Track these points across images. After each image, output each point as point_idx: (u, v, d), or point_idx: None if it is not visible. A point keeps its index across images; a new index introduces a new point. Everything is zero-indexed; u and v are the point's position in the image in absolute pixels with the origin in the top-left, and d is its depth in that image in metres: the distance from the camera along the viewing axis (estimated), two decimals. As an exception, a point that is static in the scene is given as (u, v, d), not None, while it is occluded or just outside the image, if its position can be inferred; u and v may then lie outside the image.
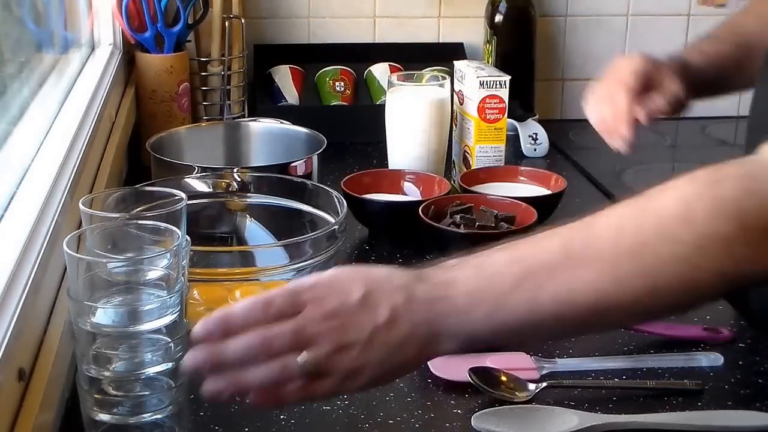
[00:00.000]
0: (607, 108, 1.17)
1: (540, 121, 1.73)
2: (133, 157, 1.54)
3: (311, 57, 1.82)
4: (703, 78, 1.18)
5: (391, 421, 0.88)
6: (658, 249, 0.73)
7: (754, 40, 1.17)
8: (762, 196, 0.72)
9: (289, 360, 0.73)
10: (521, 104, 1.75)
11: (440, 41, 1.88)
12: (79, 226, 0.90)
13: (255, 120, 1.55)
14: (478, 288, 0.75)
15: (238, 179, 1.19)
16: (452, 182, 1.42)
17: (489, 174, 1.39)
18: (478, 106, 1.38)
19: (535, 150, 1.67)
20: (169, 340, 0.82)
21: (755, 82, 1.09)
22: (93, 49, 1.59)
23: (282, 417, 0.88)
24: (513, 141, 1.64)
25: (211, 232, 1.18)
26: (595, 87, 1.22)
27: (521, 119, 1.70)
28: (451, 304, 0.75)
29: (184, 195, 0.90)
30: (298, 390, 0.74)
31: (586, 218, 0.77)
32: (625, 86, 1.14)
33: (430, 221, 1.21)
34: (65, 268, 0.95)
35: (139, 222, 0.86)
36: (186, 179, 1.18)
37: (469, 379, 0.92)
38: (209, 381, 0.74)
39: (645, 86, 1.15)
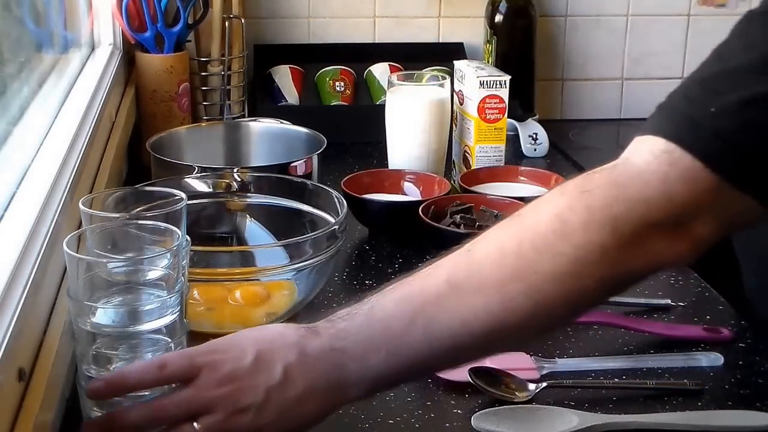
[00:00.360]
0: None
1: (540, 121, 1.73)
2: (133, 157, 1.54)
3: (311, 57, 1.82)
4: None
5: (390, 421, 0.88)
6: (539, 266, 0.75)
7: None
8: (630, 202, 0.74)
9: (185, 429, 0.74)
10: (521, 104, 1.75)
11: (440, 41, 1.88)
12: (79, 226, 0.90)
13: (255, 120, 1.54)
14: (372, 334, 0.76)
15: (238, 179, 1.19)
16: (452, 182, 1.42)
17: (489, 174, 1.39)
18: (478, 106, 1.38)
19: (535, 150, 1.67)
20: (169, 340, 0.82)
21: None
22: (93, 49, 1.59)
23: (282, 417, 0.88)
24: (513, 141, 1.64)
25: (211, 232, 1.18)
26: None
27: (521, 119, 1.71)
28: (348, 355, 0.76)
29: (184, 195, 0.90)
30: None
31: (468, 244, 0.78)
32: None
33: (430, 221, 1.21)
34: (65, 268, 0.95)
35: (139, 222, 0.86)
36: (186, 179, 1.18)
37: (469, 379, 0.92)
38: None
39: None
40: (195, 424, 0.74)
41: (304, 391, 0.75)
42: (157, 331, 0.81)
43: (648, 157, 0.75)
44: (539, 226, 0.76)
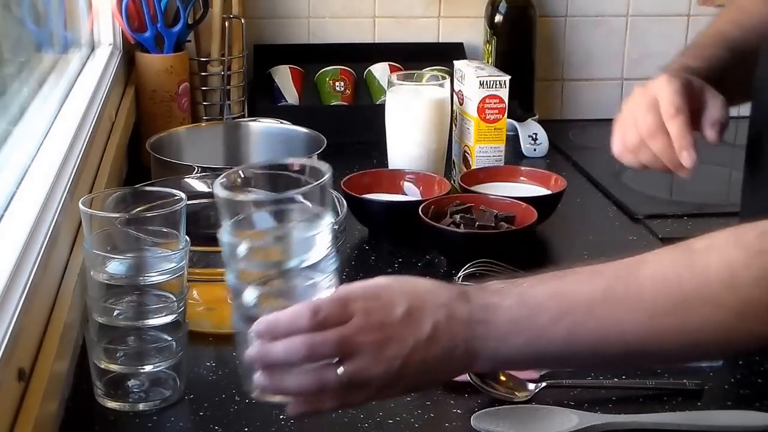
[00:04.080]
0: (661, 138, 1.05)
1: (540, 121, 1.73)
2: (133, 157, 1.54)
3: (311, 57, 1.81)
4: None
5: (390, 421, 0.89)
6: (699, 310, 0.75)
7: (741, 46, 1.14)
8: None
9: (327, 373, 0.75)
10: (521, 104, 1.75)
11: (440, 41, 1.88)
12: (79, 226, 0.90)
13: (255, 120, 1.55)
14: (519, 317, 0.77)
15: (238, 179, 1.19)
16: (452, 182, 1.42)
17: (489, 174, 1.39)
18: (478, 106, 1.38)
19: (534, 150, 1.67)
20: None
21: (754, 84, 1.08)
22: (93, 49, 1.59)
23: (281, 417, 0.88)
24: (513, 141, 1.64)
25: (211, 232, 1.18)
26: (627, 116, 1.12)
27: (521, 119, 1.71)
28: (491, 329, 0.77)
29: (183, 195, 0.90)
30: (334, 399, 0.76)
31: (631, 261, 0.79)
32: (675, 109, 1.03)
33: (430, 221, 1.21)
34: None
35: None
36: (186, 179, 1.18)
37: (469, 379, 0.92)
38: (257, 376, 0.76)
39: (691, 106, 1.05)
40: (338, 370, 0.75)
41: (444, 353, 0.77)
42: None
43: None
44: (708, 272, 0.75)
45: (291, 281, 0.80)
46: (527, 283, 0.79)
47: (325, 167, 0.79)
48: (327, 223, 0.79)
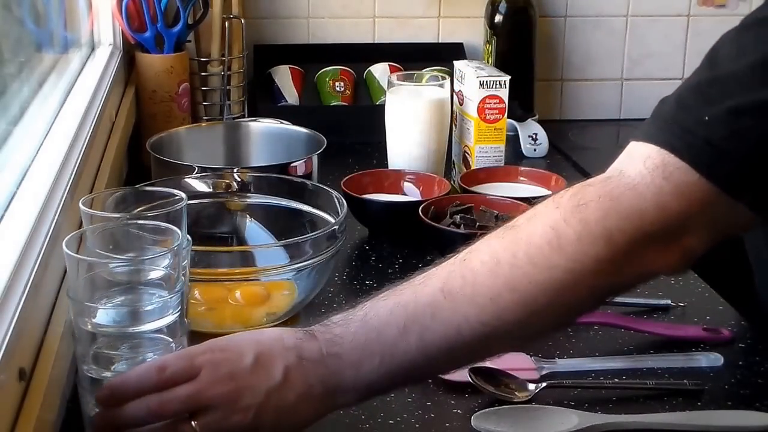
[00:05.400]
0: None
1: (539, 122, 1.73)
2: (133, 157, 1.54)
3: (311, 57, 1.82)
4: None
5: (391, 421, 0.89)
6: (534, 277, 0.76)
7: None
8: (624, 215, 0.75)
9: (182, 427, 0.74)
10: (521, 104, 1.75)
11: (440, 41, 1.88)
12: (80, 226, 0.90)
13: (255, 120, 1.54)
14: (367, 340, 0.77)
15: (238, 179, 1.19)
16: (452, 182, 1.42)
17: (489, 174, 1.39)
18: (478, 107, 1.38)
19: (534, 150, 1.67)
20: (170, 339, 0.82)
21: None
22: (93, 49, 1.59)
23: (282, 417, 0.88)
24: (513, 141, 1.64)
25: (211, 232, 1.18)
26: None
27: (521, 119, 1.71)
28: (344, 360, 0.77)
29: (184, 195, 0.90)
30: None
31: (461, 254, 0.80)
32: None
33: (430, 221, 1.21)
34: (66, 268, 0.95)
35: (140, 222, 0.86)
36: (186, 179, 1.18)
37: (469, 379, 0.92)
38: None
39: None
40: (193, 422, 0.74)
41: (301, 395, 0.76)
42: (158, 331, 0.81)
43: (641, 169, 0.76)
44: (534, 238, 0.77)
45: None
46: (368, 305, 0.79)
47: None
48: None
